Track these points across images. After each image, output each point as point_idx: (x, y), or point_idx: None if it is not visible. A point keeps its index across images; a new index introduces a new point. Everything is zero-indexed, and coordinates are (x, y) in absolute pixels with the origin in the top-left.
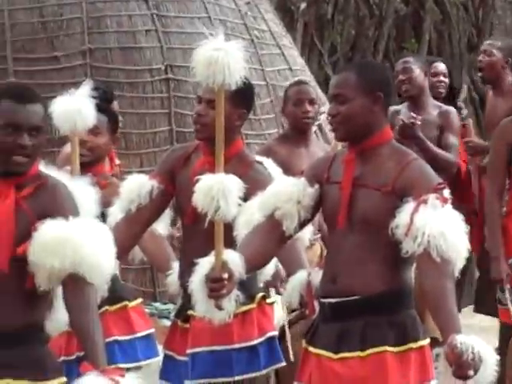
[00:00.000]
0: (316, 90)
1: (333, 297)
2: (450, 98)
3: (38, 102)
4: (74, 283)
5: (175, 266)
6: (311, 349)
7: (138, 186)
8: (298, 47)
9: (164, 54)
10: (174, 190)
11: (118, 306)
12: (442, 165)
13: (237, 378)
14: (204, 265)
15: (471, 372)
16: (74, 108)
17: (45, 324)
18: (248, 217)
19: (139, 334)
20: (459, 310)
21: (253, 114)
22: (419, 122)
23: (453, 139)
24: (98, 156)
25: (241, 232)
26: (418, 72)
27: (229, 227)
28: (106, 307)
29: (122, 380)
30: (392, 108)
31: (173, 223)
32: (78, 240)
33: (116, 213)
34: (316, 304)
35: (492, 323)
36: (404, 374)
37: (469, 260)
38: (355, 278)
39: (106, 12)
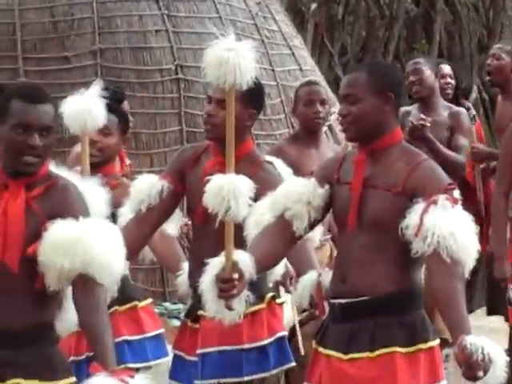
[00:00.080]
0: (326, 91)
1: (342, 297)
2: (455, 98)
3: (48, 102)
4: (84, 283)
5: (185, 266)
6: (321, 349)
7: (147, 186)
8: (308, 48)
9: (174, 54)
10: (183, 190)
11: (128, 306)
12: (452, 166)
13: (246, 378)
14: (214, 265)
15: (481, 373)
16: (84, 108)
17: (55, 324)
18: (258, 217)
19: (149, 334)
20: (471, 312)
21: (263, 114)
22: (429, 124)
23: (463, 140)
24: (108, 156)
25: (251, 232)
26: (428, 73)
27: (239, 227)
28: (116, 307)
29: (132, 380)
30: (402, 109)
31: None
32: (88, 240)
33: (126, 213)
34: (326, 304)
35: (502, 325)
36: (413, 375)
37: (479, 261)
38: (365, 278)
39: (116, 12)
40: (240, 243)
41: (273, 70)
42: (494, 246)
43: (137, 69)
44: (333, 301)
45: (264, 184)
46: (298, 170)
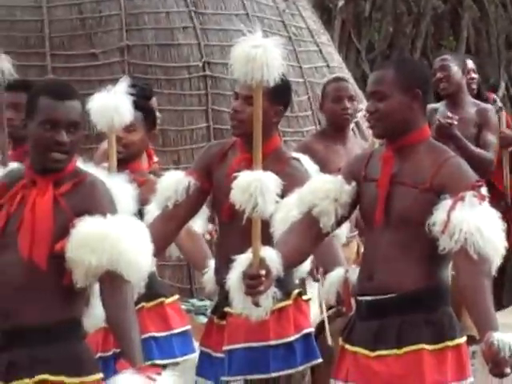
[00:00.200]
0: (354, 87)
1: (369, 294)
2: (480, 94)
3: (75, 99)
4: (111, 280)
5: (211, 263)
6: (348, 346)
7: (174, 182)
8: (335, 44)
9: (202, 50)
10: (210, 187)
11: (155, 302)
12: (480, 163)
13: (274, 374)
14: (242, 262)
15: (508, 370)
16: (111, 105)
17: (82, 320)
18: (284, 214)
19: (176, 331)
20: (501, 309)
21: (290, 111)
22: (456, 122)
23: (491, 137)
24: (133, 153)
25: (277, 229)
26: (455, 70)
27: (266, 224)
28: (143, 304)
29: (159, 377)
30: (430, 106)
31: (210, 220)
32: (116, 237)
33: (153, 210)
34: (353, 301)
35: None
36: (441, 372)
37: (507, 259)
38: (392, 275)
39: (144, 9)
40: (267, 240)
41: (300, 67)
42: None
43: (164, 66)
44: (360, 298)
45: (291, 180)
46: (325, 167)
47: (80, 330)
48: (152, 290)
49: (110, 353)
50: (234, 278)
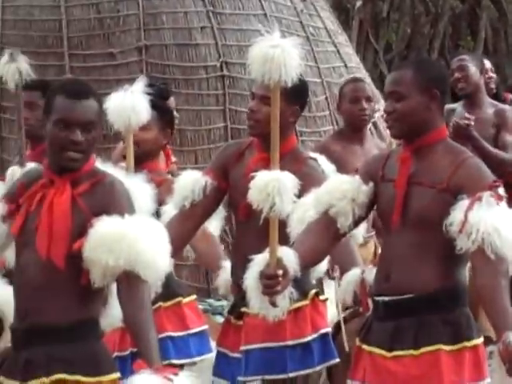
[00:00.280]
0: (371, 88)
1: (386, 295)
2: (497, 94)
3: (91, 98)
4: (129, 281)
5: (225, 265)
6: (365, 347)
7: (191, 182)
8: (353, 45)
9: (219, 50)
10: (227, 187)
11: (172, 302)
12: (498, 164)
13: (291, 375)
14: (259, 261)
15: None
16: (128, 104)
17: (99, 320)
18: (301, 214)
19: (193, 331)
20: None
21: (308, 111)
22: (473, 123)
23: (509, 137)
24: (147, 151)
25: (294, 229)
26: (473, 70)
27: (283, 224)
28: (160, 303)
29: (176, 378)
30: (447, 106)
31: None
32: (134, 237)
33: (170, 210)
34: (370, 302)
35: None
36: (458, 373)
37: None
38: (409, 276)
39: (162, 9)
40: (284, 239)
41: (318, 67)
42: None
43: (182, 65)
44: (377, 298)
45: (308, 180)
46: (343, 167)
47: (97, 330)
48: (169, 290)
49: (127, 352)
50: (251, 277)
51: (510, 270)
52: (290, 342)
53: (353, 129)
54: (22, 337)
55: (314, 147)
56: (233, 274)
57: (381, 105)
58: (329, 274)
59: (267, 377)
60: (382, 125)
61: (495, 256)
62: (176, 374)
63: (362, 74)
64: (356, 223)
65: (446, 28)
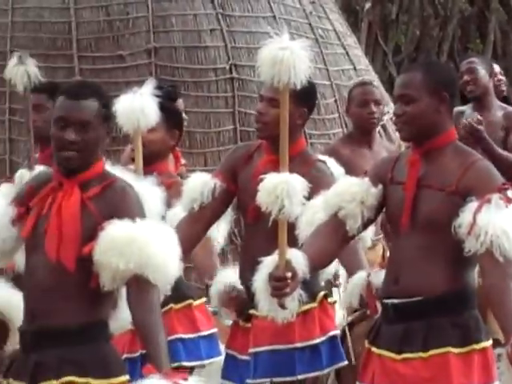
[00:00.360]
0: (380, 90)
1: (395, 297)
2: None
3: (91, 99)
4: (138, 284)
5: (221, 277)
6: (374, 349)
7: (200, 184)
8: (362, 47)
9: (229, 53)
10: (236, 189)
11: (183, 304)
12: (508, 166)
13: (299, 377)
14: (268, 264)
15: None
16: (136, 106)
17: (108, 322)
18: (310, 216)
19: (203, 333)
20: None
21: (317, 113)
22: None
23: None
24: (154, 152)
25: (303, 231)
26: (483, 73)
27: (292, 226)
28: (171, 305)
29: (185, 383)
30: (456, 109)
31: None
32: (144, 241)
33: (179, 212)
34: (378, 304)
35: None
36: (467, 375)
37: None
38: (418, 278)
39: (171, 11)
40: (292, 242)
41: (327, 70)
42: None
43: (191, 68)
44: (385, 301)
45: (317, 183)
46: (352, 170)
47: (107, 332)
48: (180, 292)
49: (137, 354)
50: (259, 280)
51: None
52: (298, 345)
53: (361, 132)
54: (31, 339)
55: (324, 150)
56: (241, 277)
57: (390, 107)
58: (331, 283)
59: (276, 379)
60: (391, 127)
61: (503, 258)
62: (185, 379)
63: (371, 76)
64: (365, 225)
65: (455, 31)
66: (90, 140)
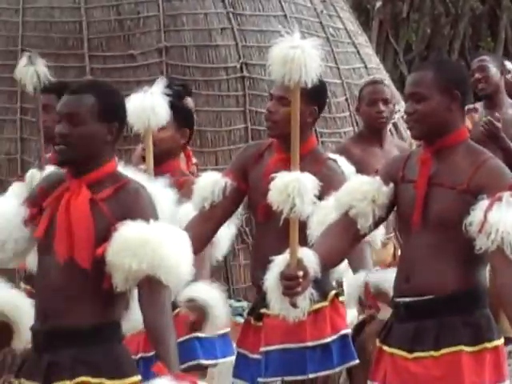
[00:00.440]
0: (391, 89)
1: (407, 296)
2: None
3: (88, 94)
4: (150, 285)
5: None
6: (386, 348)
7: (211, 183)
8: (373, 46)
9: (239, 52)
10: (247, 188)
11: None
12: None
13: (310, 376)
14: (279, 262)
15: None
16: (147, 105)
17: (121, 323)
18: (322, 217)
19: (218, 332)
20: None
21: (328, 112)
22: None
23: None
24: (165, 150)
25: (314, 232)
26: (494, 71)
27: (303, 225)
28: None
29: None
30: (467, 107)
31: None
32: (158, 242)
33: (190, 212)
34: (380, 304)
35: None
36: (479, 374)
37: None
38: (429, 277)
39: (182, 10)
40: (304, 240)
41: (338, 68)
42: None
43: (202, 67)
44: (397, 299)
45: (328, 181)
46: (363, 169)
47: (119, 333)
48: None
49: (152, 353)
50: (271, 278)
51: None
52: (309, 343)
53: (371, 131)
54: (43, 339)
55: (335, 149)
56: (253, 275)
57: (401, 106)
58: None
59: (287, 378)
60: (403, 126)
61: None
62: (195, 383)
63: (382, 74)
64: (376, 224)
65: (466, 29)
66: (79, 134)
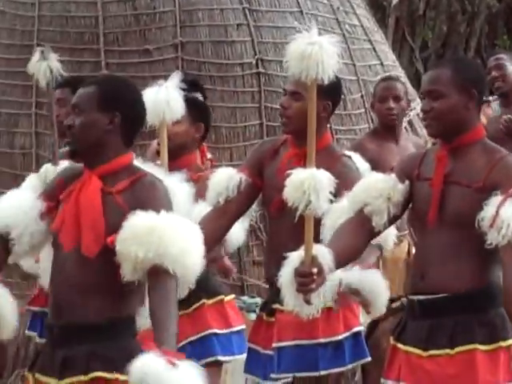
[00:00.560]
0: (406, 86)
1: (422, 294)
2: None
3: (93, 86)
4: (157, 274)
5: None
6: (400, 346)
7: (226, 178)
8: (389, 43)
9: (255, 48)
10: (262, 184)
11: (216, 299)
12: None
13: (322, 372)
14: (293, 259)
15: None
16: (162, 99)
17: (136, 318)
18: (333, 221)
19: (235, 329)
20: None
21: (343, 109)
22: None
23: None
24: (179, 144)
25: (326, 234)
26: (511, 69)
27: (317, 222)
28: (204, 300)
29: (181, 364)
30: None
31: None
32: (164, 230)
33: (204, 208)
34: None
35: None
36: (494, 373)
37: None
38: (444, 275)
39: (198, 6)
40: (317, 237)
41: (353, 65)
42: None
43: (217, 62)
44: (412, 297)
45: (343, 178)
46: (379, 165)
47: (134, 328)
48: (211, 287)
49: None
50: (285, 275)
51: None
52: (322, 340)
53: (384, 127)
54: (58, 334)
55: (350, 145)
56: (267, 272)
57: (416, 103)
58: None
59: (298, 374)
60: (418, 123)
61: None
62: (181, 360)
63: (398, 71)
64: (391, 222)
65: (482, 26)
66: (80, 123)
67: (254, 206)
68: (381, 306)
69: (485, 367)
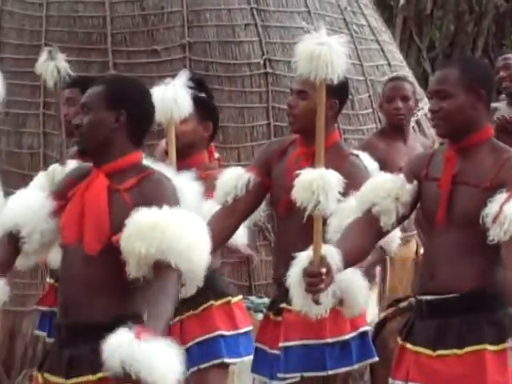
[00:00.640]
0: (414, 86)
1: (430, 294)
2: None
3: (100, 85)
4: (160, 269)
5: None
6: (409, 346)
7: (234, 178)
8: (396, 43)
9: (263, 48)
10: (270, 183)
11: (223, 301)
12: None
13: (330, 372)
14: (302, 259)
15: None
16: (169, 97)
17: (141, 316)
18: (339, 221)
19: (242, 330)
20: None
21: (351, 109)
22: None
23: None
24: (187, 143)
25: (332, 235)
26: None
27: (325, 222)
28: (212, 301)
29: (151, 341)
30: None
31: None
32: (167, 225)
33: (213, 208)
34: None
35: None
36: (502, 373)
37: None
38: (453, 275)
39: (205, 6)
40: (325, 237)
41: (361, 65)
42: None
43: (225, 63)
44: (420, 297)
45: (351, 177)
46: (387, 164)
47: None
48: (219, 289)
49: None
50: (294, 275)
51: None
52: (329, 340)
53: (392, 127)
54: (65, 333)
55: (358, 144)
56: (275, 272)
57: (424, 103)
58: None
59: (306, 374)
60: (426, 123)
61: None
62: (151, 337)
63: (406, 71)
64: (399, 222)
65: (489, 26)
66: (87, 121)
67: (262, 206)
68: (358, 305)
69: (493, 367)
